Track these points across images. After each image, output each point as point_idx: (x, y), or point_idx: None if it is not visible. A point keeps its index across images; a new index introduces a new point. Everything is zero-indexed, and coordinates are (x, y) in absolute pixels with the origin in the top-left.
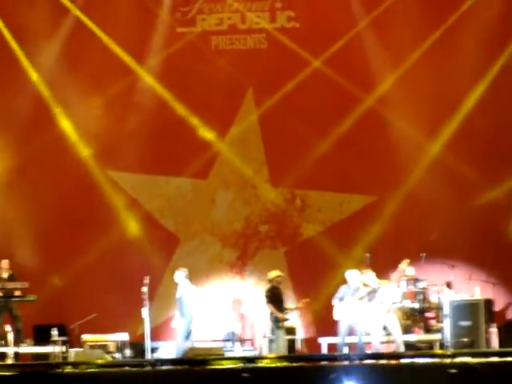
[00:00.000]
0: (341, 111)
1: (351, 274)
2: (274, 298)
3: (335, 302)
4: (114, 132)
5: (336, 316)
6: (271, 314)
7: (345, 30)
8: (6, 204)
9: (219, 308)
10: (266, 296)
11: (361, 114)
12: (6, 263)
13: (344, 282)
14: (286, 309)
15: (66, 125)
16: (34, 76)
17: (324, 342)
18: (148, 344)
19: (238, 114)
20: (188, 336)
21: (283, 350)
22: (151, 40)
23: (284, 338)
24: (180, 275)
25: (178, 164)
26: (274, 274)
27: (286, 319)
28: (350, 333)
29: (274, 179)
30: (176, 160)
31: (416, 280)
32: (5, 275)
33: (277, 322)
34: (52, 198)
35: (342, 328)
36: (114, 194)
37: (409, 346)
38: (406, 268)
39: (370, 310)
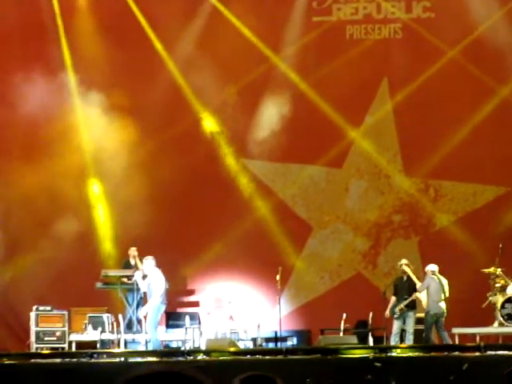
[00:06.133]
0: (476, 101)
1: None
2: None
3: None
4: (248, 120)
5: None
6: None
7: (481, 19)
8: (136, 192)
9: (350, 296)
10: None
11: (496, 105)
12: (134, 250)
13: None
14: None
15: (200, 112)
16: (170, 64)
17: (457, 332)
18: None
19: (373, 104)
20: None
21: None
22: (287, 28)
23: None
24: (149, 264)
25: (311, 152)
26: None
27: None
28: None
29: (407, 169)
30: (310, 148)
31: None
32: (133, 261)
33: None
34: (184, 185)
35: None
36: (247, 181)
37: None
38: None
39: None
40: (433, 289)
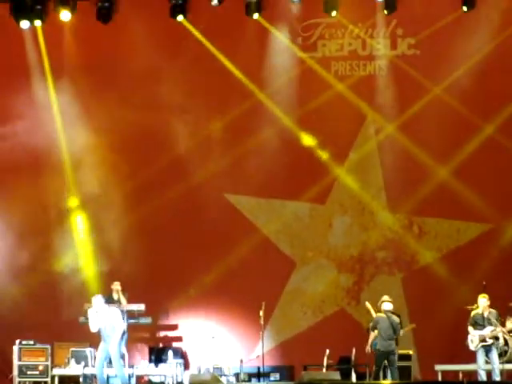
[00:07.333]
0: (460, 139)
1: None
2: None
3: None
4: (232, 155)
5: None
6: None
7: (466, 57)
8: (120, 228)
9: (333, 332)
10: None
11: (480, 142)
12: (117, 284)
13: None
14: None
15: (185, 148)
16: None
17: (440, 369)
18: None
19: (357, 140)
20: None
21: None
22: (272, 64)
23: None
24: (100, 301)
25: (295, 188)
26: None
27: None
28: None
29: (391, 205)
30: (294, 184)
31: None
32: (116, 296)
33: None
34: (168, 219)
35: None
36: (231, 217)
37: None
38: None
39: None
40: (381, 327)
